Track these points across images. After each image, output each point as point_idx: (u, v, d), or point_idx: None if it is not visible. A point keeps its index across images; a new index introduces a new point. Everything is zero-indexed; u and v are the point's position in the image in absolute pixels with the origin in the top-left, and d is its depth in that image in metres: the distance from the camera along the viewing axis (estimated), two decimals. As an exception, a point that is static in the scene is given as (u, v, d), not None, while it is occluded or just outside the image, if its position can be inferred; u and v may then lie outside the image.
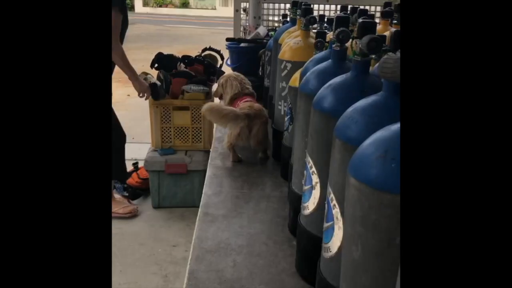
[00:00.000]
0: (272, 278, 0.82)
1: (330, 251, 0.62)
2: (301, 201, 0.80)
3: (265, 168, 1.37)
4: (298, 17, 1.33)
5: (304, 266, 0.81)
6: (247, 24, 2.70)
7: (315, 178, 0.73)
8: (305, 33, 1.19)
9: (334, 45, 0.80)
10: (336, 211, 0.59)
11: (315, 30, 1.17)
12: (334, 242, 0.60)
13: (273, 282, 0.81)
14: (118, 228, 2.54)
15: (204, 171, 1.37)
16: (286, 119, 1.15)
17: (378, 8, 2.44)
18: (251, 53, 2.14)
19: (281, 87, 1.24)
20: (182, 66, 2.70)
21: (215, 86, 2.16)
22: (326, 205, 0.63)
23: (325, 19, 1.26)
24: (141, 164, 2.95)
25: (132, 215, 2.65)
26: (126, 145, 2.74)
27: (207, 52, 2.84)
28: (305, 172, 0.77)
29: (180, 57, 2.72)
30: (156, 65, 2.67)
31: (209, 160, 1.42)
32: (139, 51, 8.33)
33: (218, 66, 2.79)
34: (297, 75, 1.05)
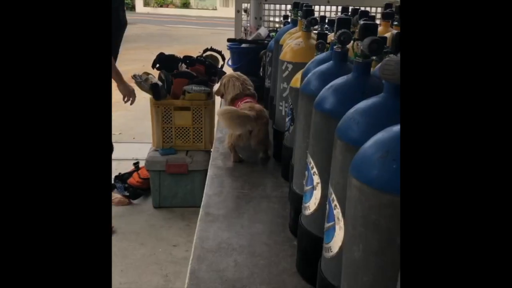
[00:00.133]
0: (273, 278, 0.82)
1: (331, 251, 0.62)
2: (302, 201, 0.80)
3: (266, 169, 1.38)
4: (299, 18, 1.33)
5: (305, 266, 0.82)
6: (248, 24, 2.71)
7: (316, 179, 0.74)
8: (306, 34, 1.20)
9: (336, 46, 0.81)
10: (337, 212, 0.60)
11: (316, 31, 1.17)
12: (335, 242, 0.61)
13: (274, 282, 0.81)
14: (118, 228, 2.54)
15: (205, 171, 1.37)
16: (287, 119, 1.15)
17: (379, 9, 2.44)
18: (252, 54, 2.14)
19: (282, 88, 1.25)
20: (183, 67, 2.71)
21: (216, 87, 2.17)
22: (327, 205, 0.63)
23: (326, 20, 1.26)
24: (142, 164, 2.96)
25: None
26: (128, 145, 2.75)
27: (208, 53, 2.85)
28: (306, 172, 0.78)
29: (181, 57, 2.73)
30: (157, 65, 2.68)
31: (210, 160, 1.42)
32: (139, 51, 8.34)
33: (219, 66, 2.80)
34: (298, 76, 1.05)
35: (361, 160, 0.48)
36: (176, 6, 22.26)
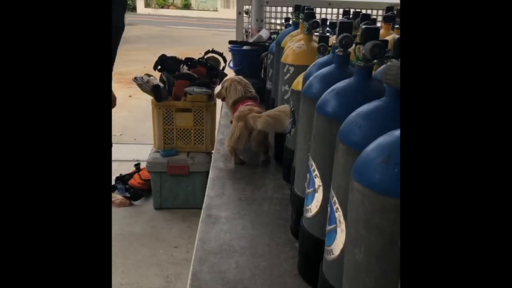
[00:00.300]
0: (275, 280, 0.82)
1: (333, 254, 0.63)
2: (303, 204, 0.81)
3: (267, 170, 1.38)
4: (300, 21, 1.34)
5: (307, 268, 0.82)
6: (250, 26, 2.72)
7: (318, 181, 0.74)
8: (307, 37, 1.20)
9: (337, 50, 0.81)
10: (339, 214, 0.60)
11: (317, 34, 1.18)
12: (337, 245, 0.61)
13: (276, 283, 0.82)
14: (120, 229, 2.55)
15: (206, 173, 1.38)
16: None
17: (380, 12, 2.45)
18: (254, 56, 2.15)
19: (284, 90, 1.26)
20: (185, 68, 2.72)
21: (217, 88, 2.18)
22: (329, 208, 0.64)
23: (327, 23, 1.27)
24: (143, 165, 2.96)
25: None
26: (129, 146, 2.75)
27: (209, 55, 2.86)
28: (308, 175, 0.78)
29: (183, 59, 2.74)
30: (159, 67, 2.68)
31: (211, 162, 1.43)
32: (141, 52, 8.36)
33: (221, 68, 2.81)
34: (299, 78, 1.06)
35: (363, 163, 0.48)
36: (177, 7, 22.30)
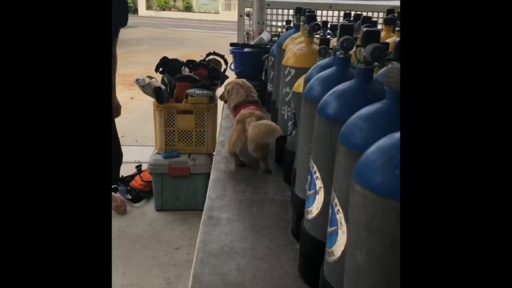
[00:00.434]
0: (276, 282, 0.83)
1: (334, 255, 0.63)
2: (304, 206, 0.81)
3: (268, 172, 1.38)
4: (301, 23, 1.34)
5: (307, 270, 0.82)
6: (251, 29, 2.72)
7: (319, 183, 0.74)
8: (308, 40, 1.21)
9: (338, 52, 0.82)
10: (340, 216, 0.60)
11: (318, 36, 1.18)
12: (338, 247, 0.61)
13: (277, 285, 0.82)
14: (121, 231, 2.55)
15: (207, 174, 1.38)
16: (289, 124, 1.16)
17: (381, 15, 2.45)
18: (255, 58, 2.16)
19: (285, 92, 1.26)
20: (186, 70, 2.72)
21: (218, 91, 2.18)
22: (330, 210, 0.64)
23: (328, 26, 1.27)
24: (144, 167, 2.97)
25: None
26: (130, 148, 2.76)
27: (211, 57, 2.87)
28: (309, 177, 0.78)
29: (184, 61, 2.75)
30: (160, 69, 2.69)
31: (212, 164, 1.43)
32: (142, 54, 8.38)
33: (222, 70, 2.82)
34: (300, 81, 1.06)
35: (364, 166, 0.48)
36: (178, 10, 22.36)
